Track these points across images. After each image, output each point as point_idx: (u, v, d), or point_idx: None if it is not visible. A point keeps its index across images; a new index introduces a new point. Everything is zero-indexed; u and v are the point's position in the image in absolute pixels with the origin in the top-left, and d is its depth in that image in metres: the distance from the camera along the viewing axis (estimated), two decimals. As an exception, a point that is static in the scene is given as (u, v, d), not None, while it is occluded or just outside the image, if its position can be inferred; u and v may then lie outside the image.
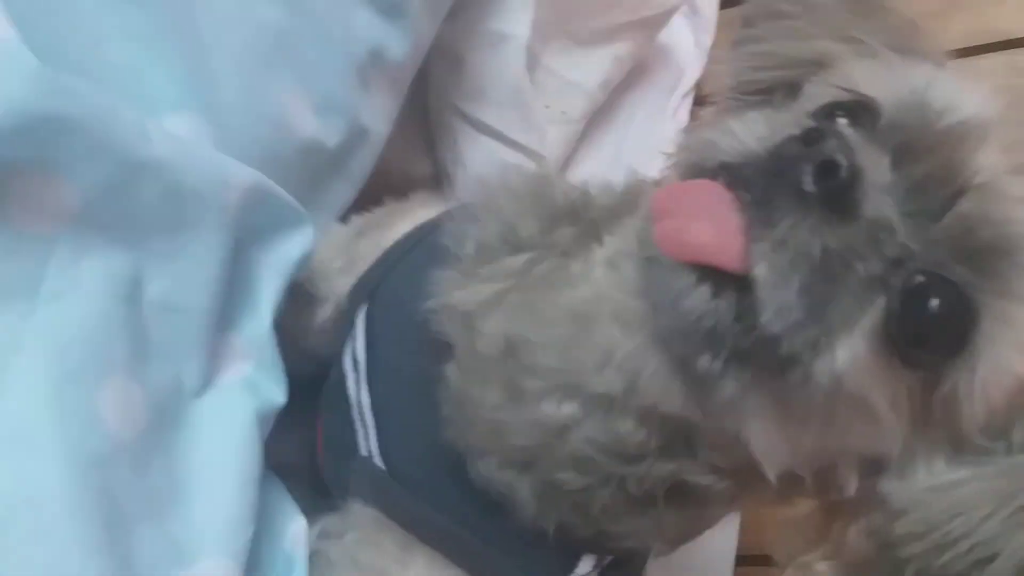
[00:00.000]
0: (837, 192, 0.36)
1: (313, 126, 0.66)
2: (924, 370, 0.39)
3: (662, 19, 1.06)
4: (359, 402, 0.57)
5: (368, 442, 0.56)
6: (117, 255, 0.49)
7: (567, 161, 1.04)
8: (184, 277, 0.52)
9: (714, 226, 0.37)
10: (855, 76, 0.45)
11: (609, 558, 0.53)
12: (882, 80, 0.44)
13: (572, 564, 0.52)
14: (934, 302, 0.38)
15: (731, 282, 0.37)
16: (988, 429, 0.40)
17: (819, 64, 0.50)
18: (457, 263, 0.53)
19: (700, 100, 1.18)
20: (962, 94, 0.41)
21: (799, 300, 0.36)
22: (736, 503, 0.51)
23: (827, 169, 0.36)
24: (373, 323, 0.59)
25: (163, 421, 0.50)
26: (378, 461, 0.55)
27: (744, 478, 0.46)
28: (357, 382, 0.57)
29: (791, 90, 0.51)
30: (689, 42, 1.20)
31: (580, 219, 0.53)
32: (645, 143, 1.09)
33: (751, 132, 0.40)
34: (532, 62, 0.95)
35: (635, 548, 0.52)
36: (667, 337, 0.41)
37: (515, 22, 0.89)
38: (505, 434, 0.49)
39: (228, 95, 0.61)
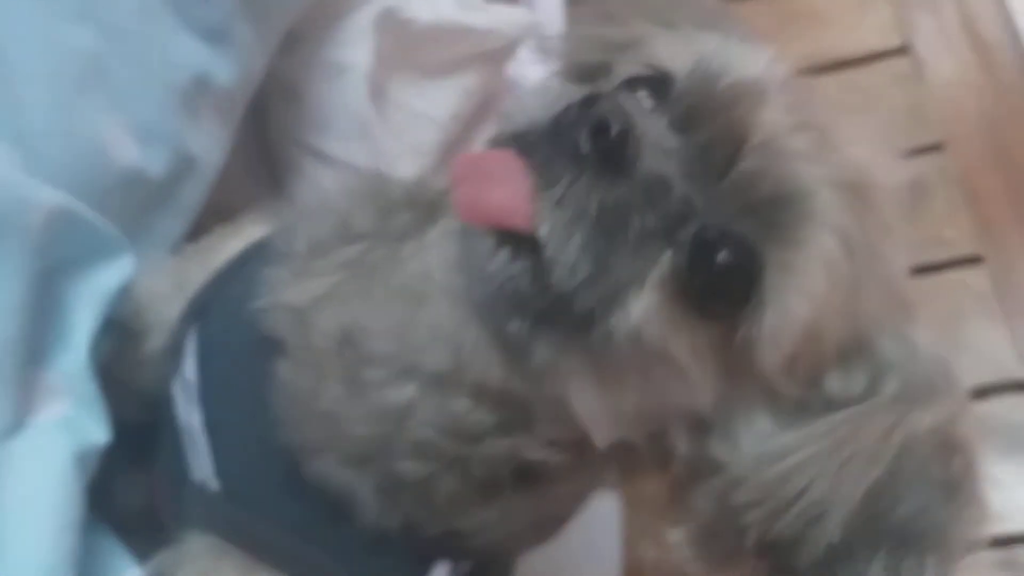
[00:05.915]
0: (610, 150, 0.37)
1: (134, 154, 0.63)
2: (719, 320, 0.40)
3: (506, 51, 1.08)
4: (189, 425, 0.53)
5: (200, 465, 0.52)
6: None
7: (423, 195, 1.03)
8: (-17, 306, 0.48)
9: (506, 190, 0.38)
10: (658, 52, 0.47)
11: (468, 565, 0.51)
12: (680, 54, 0.45)
13: (424, 572, 0.49)
14: (721, 254, 0.39)
15: (528, 244, 0.38)
16: (796, 379, 0.41)
17: (634, 46, 0.51)
18: (288, 261, 0.51)
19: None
20: (742, 57, 0.43)
21: (583, 255, 0.37)
22: (581, 482, 0.50)
23: (600, 129, 0.37)
24: (205, 341, 0.55)
25: (-37, 466, 0.46)
26: (212, 483, 0.52)
27: (584, 453, 0.46)
28: (188, 403, 0.54)
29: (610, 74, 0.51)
30: (539, 75, 1.22)
31: (417, 205, 0.53)
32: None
33: (538, 101, 0.41)
34: (378, 95, 0.95)
35: (491, 549, 0.50)
36: (480, 305, 0.42)
37: (354, 52, 0.89)
38: (344, 425, 0.47)
39: (37, 121, 0.57)
